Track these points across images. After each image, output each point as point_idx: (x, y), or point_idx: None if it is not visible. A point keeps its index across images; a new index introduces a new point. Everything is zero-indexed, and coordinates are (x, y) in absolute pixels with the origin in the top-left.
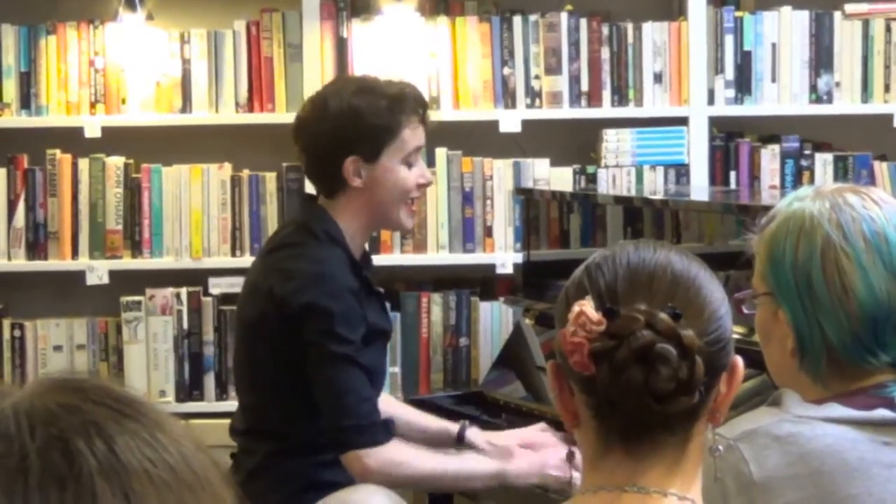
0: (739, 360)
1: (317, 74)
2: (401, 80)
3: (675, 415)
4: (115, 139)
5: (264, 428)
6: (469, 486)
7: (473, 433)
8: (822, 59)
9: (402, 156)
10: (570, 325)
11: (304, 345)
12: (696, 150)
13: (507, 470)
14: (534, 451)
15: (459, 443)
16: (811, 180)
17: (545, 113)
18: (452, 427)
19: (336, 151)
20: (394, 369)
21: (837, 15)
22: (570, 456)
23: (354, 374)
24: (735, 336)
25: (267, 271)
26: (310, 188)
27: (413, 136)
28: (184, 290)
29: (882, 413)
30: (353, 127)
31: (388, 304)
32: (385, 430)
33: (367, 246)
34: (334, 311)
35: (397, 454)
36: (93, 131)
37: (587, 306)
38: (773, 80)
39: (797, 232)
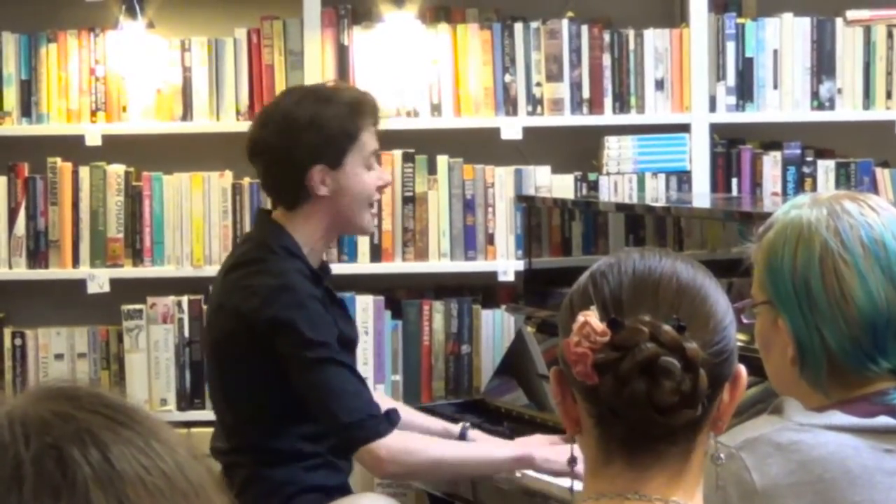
0: (743, 369)
1: (318, 82)
2: (351, 86)
3: (678, 426)
4: (115, 147)
5: (247, 444)
6: (489, 471)
7: (475, 435)
8: (823, 65)
9: (362, 160)
10: (574, 336)
11: (278, 359)
12: (698, 157)
13: (532, 454)
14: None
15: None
16: (813, 187)
17: (546, 120)
18: (454, 428)
19: (302, 162)
20: (395, 377)
21: (839, 21)
22: (573, 461)
23: (338, 373)
24: (738, 344)
25: (230, 290)
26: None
27: (370, 139)
28: (185, 299)
29: (884, 420)
30: (319, 136)
31: (389, 313)
32: (387, 421)
33: (325, 255)
34: (302, 319)
35: (410, 443)
36: (93, 139)
37: (591, 316)
38: (775, 86)
39: (795, 239)
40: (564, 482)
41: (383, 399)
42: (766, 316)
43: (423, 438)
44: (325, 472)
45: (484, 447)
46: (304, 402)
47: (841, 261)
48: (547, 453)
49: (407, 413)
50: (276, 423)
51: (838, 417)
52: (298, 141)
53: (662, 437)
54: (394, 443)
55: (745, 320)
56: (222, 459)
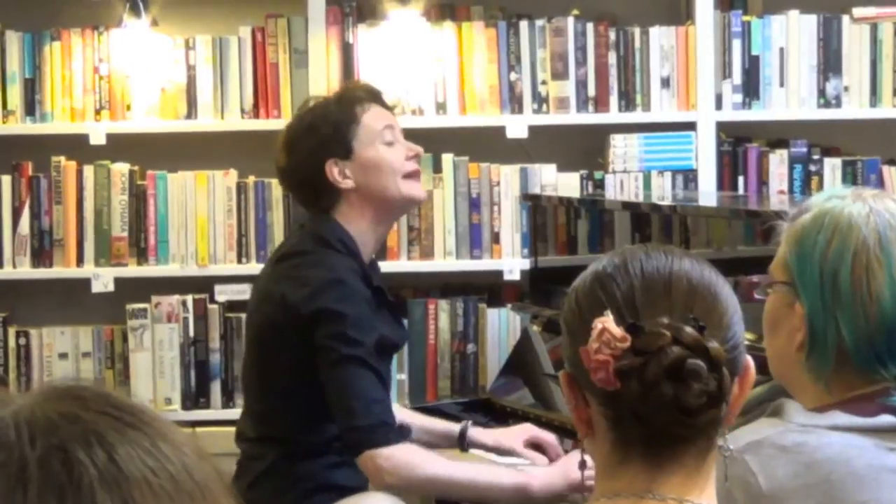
0: (751, 361)
1: (322, 80)
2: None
3: (701, 426)
4: (120, 146)
5: (274, 434)
6: (488, 497)
7: (477, 432)
8: (830, 63)
9: (375, 140)
10: (593, 342)
11: (316, 349)
12: (704, 155)
13: (530, 484)
14: (549, 461)
15: (462, 442)
16: (820, 185)
17: (552, 118)
18: (456, 428)
19: (314, 165)
20: (401, 376)
21: (845, 19)
22: (583, 465)
23: (365, 375)
24: (745, 343)
25: (279, 278)
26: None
27: (376, 119)
28: (189, 298)
29: (887, 419)
30: (317, 137)
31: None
32: (398, 433)
33: (373, 255)
34: (347, 314)
35: (412, 456)
36: (98, 138)
37: (609, 322)
38: (781, 84)
39: (832, 229)
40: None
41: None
42: (782, 297)
43: (427, 454)
44: (346, 472)
45: (486, 472)
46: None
47: (875, 259)
48: (544, 479)
49: (409, 416)
50: (309, 416)
51: (841, 417)
52: (302, 149)
53: (684, 437)
54: (396, 454)
55: (756, 296)
56: (245, 447)
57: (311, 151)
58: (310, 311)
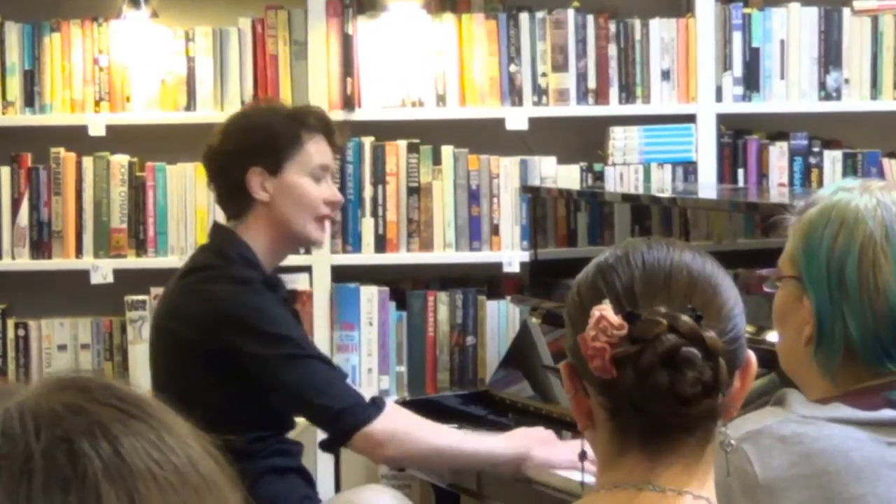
0: (752, 355)
1: (322, 72)
2: (310, 105)
3: (697, 416)
4: (119, 137)
5: None
6: (488, 465)
7: None
8: (830, 55)
9: (306, 170)
10: (590, 330)
11: (239, 361)
12: (704, 147)
13: (531, 455)
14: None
15: None
16: (820, 178)
17: (552, 110)
18: None
19: (239, 164)
20: (400, 368)
21: (846, 11)
22: (583, 455)
23: (311, 364)
24: (745, 336)
25: (185, 294)
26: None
27: (318, 151)
28: None
29: (888, 413)
30: (253, 138)
31: (394, 304)
32: (374, 404)
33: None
34: (263, 320)
35: (405, 425)
36: (97, 129)
37: (607, 310)
38: (782, 77)
39: (838, 223)
40: (572, 474)
41: None
42: (790, 290)
43: (424, 423)
44: (281, 458)
45: (485, 440)
46: (281, 402)
47: (881, 253)
48: (547, 454)
49: None
50: (233, 424)
51: (842, 410)
52: (236, 144)
53: (681, 427)
54: (385, 424)
55: (766, 289)
56: None
57: (243, 151)
58: (225, 325)
